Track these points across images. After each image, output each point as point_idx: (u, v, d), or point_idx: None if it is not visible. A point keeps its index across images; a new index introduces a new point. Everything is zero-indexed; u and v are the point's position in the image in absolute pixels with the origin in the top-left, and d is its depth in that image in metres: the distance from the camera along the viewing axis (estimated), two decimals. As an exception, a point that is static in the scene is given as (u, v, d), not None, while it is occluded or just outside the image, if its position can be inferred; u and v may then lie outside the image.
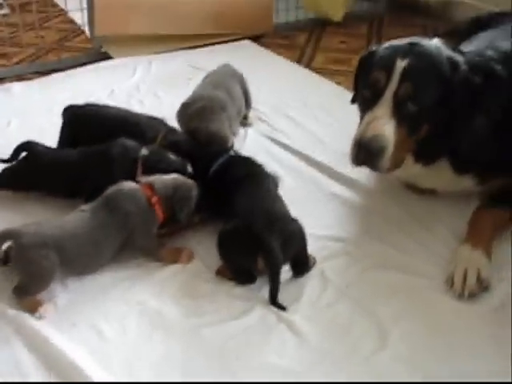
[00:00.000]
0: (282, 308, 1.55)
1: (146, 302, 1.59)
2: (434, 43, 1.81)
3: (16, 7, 3.30)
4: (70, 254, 1.57)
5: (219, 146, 2.05)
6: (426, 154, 1.81)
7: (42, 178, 1.94)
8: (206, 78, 2.45)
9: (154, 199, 1.70)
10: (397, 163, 1.74)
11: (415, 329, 1.51)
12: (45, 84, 2.92)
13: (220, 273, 1.68)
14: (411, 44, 1.77)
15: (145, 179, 1.76)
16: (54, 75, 3.03)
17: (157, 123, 2.12)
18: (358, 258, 1.75)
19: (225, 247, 1.64)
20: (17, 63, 3.20)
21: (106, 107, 2.22)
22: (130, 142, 1.93)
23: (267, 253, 1.55)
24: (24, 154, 2.00)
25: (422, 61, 1.71)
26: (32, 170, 1.95)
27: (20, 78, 3.02)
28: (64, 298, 1.60)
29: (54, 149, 2.07)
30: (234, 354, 1.44)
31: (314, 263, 1.70)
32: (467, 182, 1.89)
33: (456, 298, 1.59)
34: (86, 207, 1.69)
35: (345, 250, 1.78)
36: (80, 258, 1.61)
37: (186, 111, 2.18)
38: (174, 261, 1.71)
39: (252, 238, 1.56)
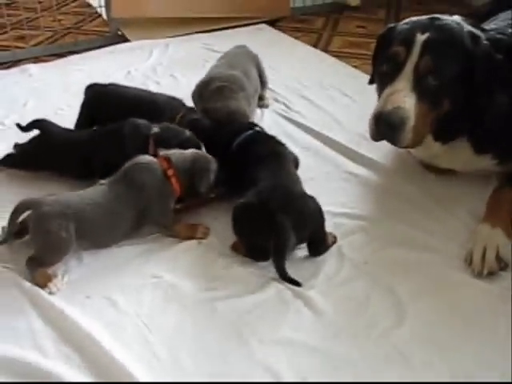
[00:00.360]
0: (296, 283, 1.53)
1: (161, 275, 1.59)
2: (455, 19, 1.78)
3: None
4: (88, 225, 1.57)
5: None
6: (445, 132, 1.77)
7: (54, 158, 1.94)
8: (222, 58, 2.43)
9: (170, 172, 1.70)
10: (417, 139, 1.71)
11: (433, 306, 1.49)
12: (61, 65, 2.93)
13: (235, 248, 1.67)
14: (432, 19, 1.74)
15: (163, 152, 1.75)
16: (71, 57, 3.04)
17: (176, 103, 2.11)
18: (375, 235, 1.73)
19: (239, 222, 1.62)
20: (34, 46, 3.20)
21: (126, 87, 2.22)
22: (141, 121, 1.92)
23: (278, 233, 1.53)
24: (36, 132, 2.00)
25: (442, 35, 1.68)
26: (44, 150, 1.95)
27: (37, 59, 3.04)
28: (78, 272, 1.60)
29: (66, 129, 2.05)
30: (249, 328, 1.43)
31: (334, 242, 1.68)
32: (486, 162, 1.85)
33: (474, 276, 1.56)
34: (104, 181, 1.69)
35: (362, 228, 1.76)
36: (98, 230, 1.61)
37: (204, 91, 2.17)
38: (190, 236, 1.70)
39: (267, 216, 1.54)
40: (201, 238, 1.70)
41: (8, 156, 2.01)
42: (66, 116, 2.35)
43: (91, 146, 1.91)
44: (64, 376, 1.30)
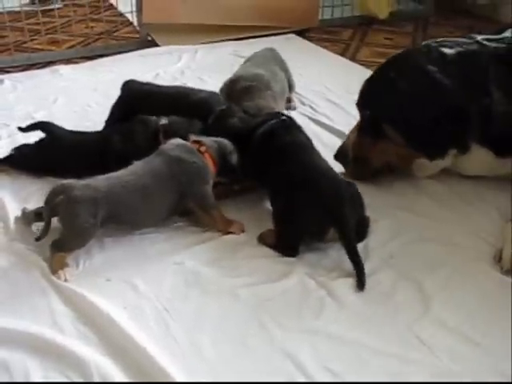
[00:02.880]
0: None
1: (183, 262, 1.57)
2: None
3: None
4: (123, 208, 1.56)
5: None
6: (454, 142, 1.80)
7: (62, 160, 1.90)
8: (250, 59, 2.45)
9: (203, 148, 1.70)
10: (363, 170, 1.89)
11: (458, 298, 1.45)
12: (91, 67, 2.98)
13: (262, 239, 1.64)
14: None
15: (192, 137, 1.75)
16: (101, 59, 3.09)
17: (216, 99, 2.05)
18: (400, 231, 1.70)
19: (292, 216, 1.55)
20: (66, 49, 3.27)
21: (163, 86, 2.20)
22: (148, 117, 1.91)
23: (343, 226, 1.50)
24: (40, 134, 1.98)
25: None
26: (52, 153, 1.92)
27: (68, 61, 3.09)
28: (99, 258, 1.59)
29: (71, 131, 2.01)
30: (271, 315, 1.40)
31: (369, 223, 1.65)
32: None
33: (503, 273, 1.52)
34: (137, 162, 1.66)
35: (387, 225, 1.72)
36: (134, 211, 1.58)
37: (232, 90, 2.18)
38: (225, 229, 1.67)
39: (324, 208, 1.51)
40: (234, 233, 1.67)
41: (10, 156, 1.97)
42: (94, 113, 2.39)
43: (102, 144, 1.90)
44: (80, 353, 1.28)
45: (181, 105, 1.97)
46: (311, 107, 2.52)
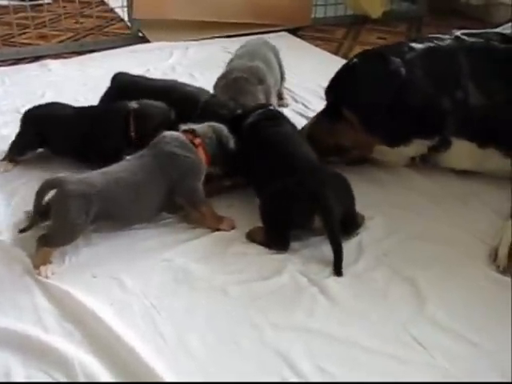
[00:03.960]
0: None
1: (172, 259, 1.53)
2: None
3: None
4: (114, 204, 1.51)
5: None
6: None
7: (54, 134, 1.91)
8: (241, 47, 2.41)
9: (197, 141, 1.65)
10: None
11: (453, 296, 1.42)
12: (81, 62, 2.94)
13: (250, 236, 1.60)
14: None
15: (183, 127, 1.70)
16: (91, 55, 3.04)
17: (205, 92, 2.04)
18: (394, 229, 1.67)
19: (276, 205, 1.53)
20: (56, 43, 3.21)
21: (153, 79, 2.18)
22: (120, 102, 1.90)
23: (326, 212, 1.47)
24: None
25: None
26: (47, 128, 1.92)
27: (58, 56, 3.03)
28: (86, 253, 1.55)
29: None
30: (262, 313, 1.36)
31: (363, 221, 1.63)
32: None
33: (499, 272, 1.50)
34: (130, 157, 1.63)
35: (381, 222, 1.69)
36: (126, 207, 1.54)
37: (220, 82, 2.14)
38: (214, 226, 1.63)
39: (309, 196, 1.48)
40: (224, 230, 1.63)
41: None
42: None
43: (76, 121, 1.89)
44: (63, 351, 1.23)
45: (169, 97, 1.93)
46: (304, 104, 2.50)
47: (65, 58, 3.01)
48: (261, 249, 1.56)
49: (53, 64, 2.87)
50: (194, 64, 2.95)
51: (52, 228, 1.49)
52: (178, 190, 1.61)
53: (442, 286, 1.45)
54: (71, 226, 1.47)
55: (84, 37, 3.34)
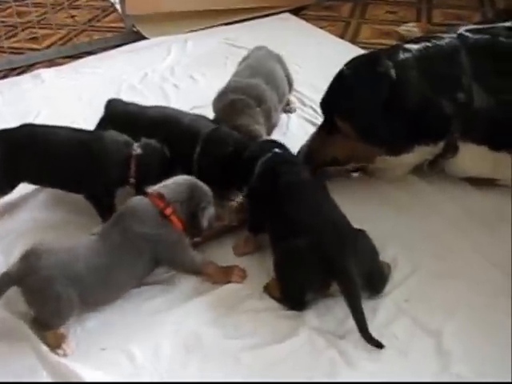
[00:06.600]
0: (379, 345, 1.33)
1: (181, 322, 1.45)
2: None
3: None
4: (82, 287, 1.38)
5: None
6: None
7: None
8: (243, 61, 2.25)
9: (168, 211, 1.48)
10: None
11: (480, 351, 1.33)
12: (75, 69, 2.79)
13: (268, 290, 1.50)
14: None
15: (153, 189, 1.52)
16: (85, 59, 2.90)
17: (201, 125, 1.84)
18: (415, 266, 1.57)
19: (288, 267, 1.42)
20: (48, 47, 3.06)
21: (147, 107, 1.98)
22: (123, 139, 1.75)
23: (344, 279, 1.36)
24: None
25: None
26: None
27: (51, 62, 2.89)
28: (92, 320, 1.47)
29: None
30: (277, 381, 1.29)
31: (389, 271, 1.52)
32: None
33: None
34: (96, 230, 1.50)
35: (400, 258, 1.59)
36: (93, 291, 1.41)
37: (218, 103, 2.00)
38: (224, 281, 1.54)
39: (324, 260, 1.37)
40: (238, 282, 1.54)
41: None
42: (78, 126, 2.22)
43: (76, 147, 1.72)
44: None
45: (165, 131, 1.80)
46: (312, 108, 2.35)
47: (59, 64, 2.86)
48: (273, 304, 1.48)
49: (46, 73, 2.73)
50: (195, 62, 2.80)
51: (39, 314, 1.39)
52: (171, 266, 1.53)
53: (468, 338, 1.37)
54: (59, 311, 1.37)
55: (77, 35, 3.17)
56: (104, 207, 1.70)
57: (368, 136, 1.75)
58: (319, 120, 2.23)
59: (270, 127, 2.07)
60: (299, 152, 1.86)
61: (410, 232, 1.69)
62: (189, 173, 1.65)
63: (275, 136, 2.14)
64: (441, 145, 1.77)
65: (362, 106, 1.73)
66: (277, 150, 1.66)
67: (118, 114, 1.93)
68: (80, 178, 1.72)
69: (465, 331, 1.38)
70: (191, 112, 2.07)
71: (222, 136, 1.76)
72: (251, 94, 1.96)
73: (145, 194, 1.53)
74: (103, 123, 1.95)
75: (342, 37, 3.04)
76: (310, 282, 1.41)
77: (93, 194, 1.73)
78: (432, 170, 1.87)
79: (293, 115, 2.31)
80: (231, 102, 1.94)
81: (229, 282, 1.54)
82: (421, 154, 1.79)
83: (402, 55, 1.75)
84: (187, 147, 1.74)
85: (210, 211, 1.55)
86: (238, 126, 1.86)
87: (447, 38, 1.80)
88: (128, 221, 1.46)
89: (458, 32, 1.83)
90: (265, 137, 1.93)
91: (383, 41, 2.95)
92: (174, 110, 1.96)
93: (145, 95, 2.49)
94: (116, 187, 1.74)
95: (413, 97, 1.71)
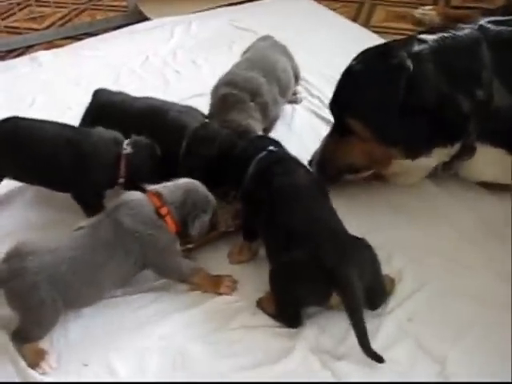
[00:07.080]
0: (379, 359, 1.25)
1: (169, 337, 1.37)
2: None
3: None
4: (64, 286, 1.31)
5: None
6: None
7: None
8: (245, 52, 2.13)
9: (164, 210, 1.41)
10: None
11: (489, 377, 1.24)
12: (74, 51, 2.69)
13: (261, 305, 1.42)
14: None
15: (151, 187, 1.45)
16: (86, 41, 2.79)
17: (188, 119, 1.74)
18: (422, 282, 1.47)
19: (285, 282, 1.33)
20: (47, 27, 2.94)
21: (135, 98, 1.87)
22: (113, 136, 1.66)
23: (345, 288, 1.26)
24: None
25: None
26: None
27: (50, 44, 2.79)
28: (76, 331, 1.39)
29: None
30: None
31: (393, 286, 1.43)
32: None
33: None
34: (85, 223, 1.42)
35: (406, 273, 1.49)
36: (77, 290, 1.34)
37: (212, 98, 1.89)
38: (213, 291, 1.46)
39: (323, 270, 1.27)
40: (228, 294, 1.46)
41: None
42: (75, 117, 2.13)
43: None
44: None
45: (151, 124, 1.70)
46: (319, 99, 2.22)
47: (58, 45, 2.75)
48: (267, 320, 1.39)
49: (44, 56, 2.62)
50: (198, 45, 2.68)
51: (20, 323, 1.32)
52: (156, 271, 1.44)
53: (474, 365, 1.27)
54: (43, 318, 1.31)
55: (78, 14, 3.05)
56: (91, 208, 1.61)
57: (384, 136, 1.61)
58: (326, 113, 2.11)
59: (270, 121, 1.95)
60: (311, 161, 1.74)
61: (420, 243, 1.59)
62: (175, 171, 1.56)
63: (279, 128, 2.04)
64: (457, 146, 1.65)
65: (379, 103, 1.59)
66: (271, 147, 1.55)
67: (103, 106, 1.82)
68: (66, 178, 1.63)
69: (472, 357, 1.29)
70: (190, 100, 1.98)
71: (208, 134, 1.65)
72: (245, 88, 1.84)
73: (143, 190, 1.46)
74: (88, 115, 1.85)
75: (354, 19, 2.89)
76: (308, 297, 1.32)
77: (80, 194, 1.64)
78: (445, 171, 1.76)
79: (298, 106, 2.19)
80: (222, 96, 1.83)
81: (216, 292, 1.46)
82: (439, 156, 1.66)
83: (417, 47, 1.61)
84: (172, 144, 1.64)
85: (203, 220, 1.46)
86: (229, 121, 1.75)
87: (466, 29, 1.66)
88: (121, 213, 1.39)
89: (479, 23, 1.68)
90: (259, 132, 1.82)
91: (397, 25, 2.80)
92: (162, 101, 1.84)
93: (144, 80, 2.40)
94: (105, 188, 1.65)
95: (431, 92, 1.56)
